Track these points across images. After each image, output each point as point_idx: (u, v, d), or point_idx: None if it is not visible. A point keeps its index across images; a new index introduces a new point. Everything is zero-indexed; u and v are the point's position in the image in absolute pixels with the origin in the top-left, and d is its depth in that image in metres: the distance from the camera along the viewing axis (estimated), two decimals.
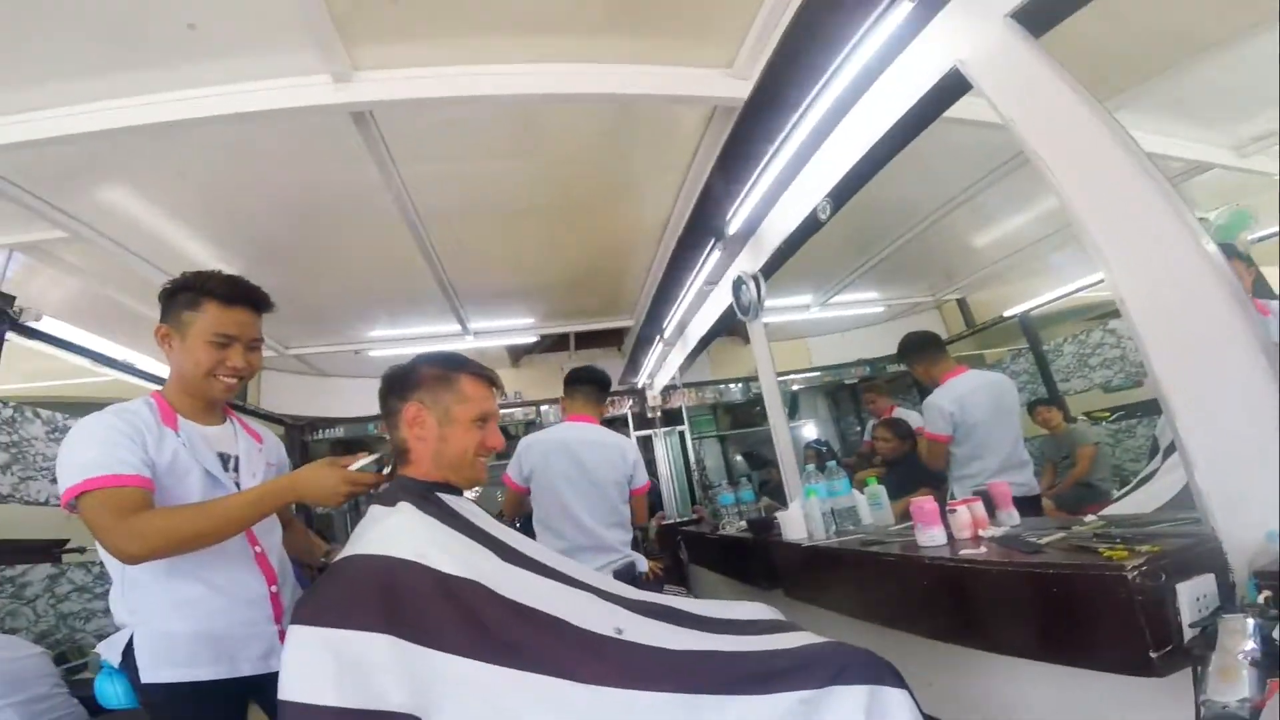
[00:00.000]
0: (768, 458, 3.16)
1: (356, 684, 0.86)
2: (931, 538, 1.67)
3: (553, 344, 5.92)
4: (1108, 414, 2.73)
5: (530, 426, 5.92)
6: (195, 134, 2.16)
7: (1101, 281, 1.37)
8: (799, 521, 2.26)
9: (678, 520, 5.12)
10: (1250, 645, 0.89)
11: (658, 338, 4.66)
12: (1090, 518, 1.53)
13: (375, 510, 1.15)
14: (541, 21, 2.06)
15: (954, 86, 1.61)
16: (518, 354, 6.05)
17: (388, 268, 3.68)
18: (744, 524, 2.99)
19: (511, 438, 6.13)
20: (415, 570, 0.99)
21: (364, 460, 1.27)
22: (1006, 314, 3.23)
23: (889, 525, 2.16)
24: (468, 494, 1.32)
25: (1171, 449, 1.52)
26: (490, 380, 1.29)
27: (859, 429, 4.89)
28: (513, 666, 0.95)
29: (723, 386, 5.88)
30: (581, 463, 2.31)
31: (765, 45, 2.02)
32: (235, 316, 1.31)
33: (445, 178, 2.80)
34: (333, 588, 0.98)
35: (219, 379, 1.31)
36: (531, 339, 5.40)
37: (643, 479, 2.43)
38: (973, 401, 2.43)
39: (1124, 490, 1.99)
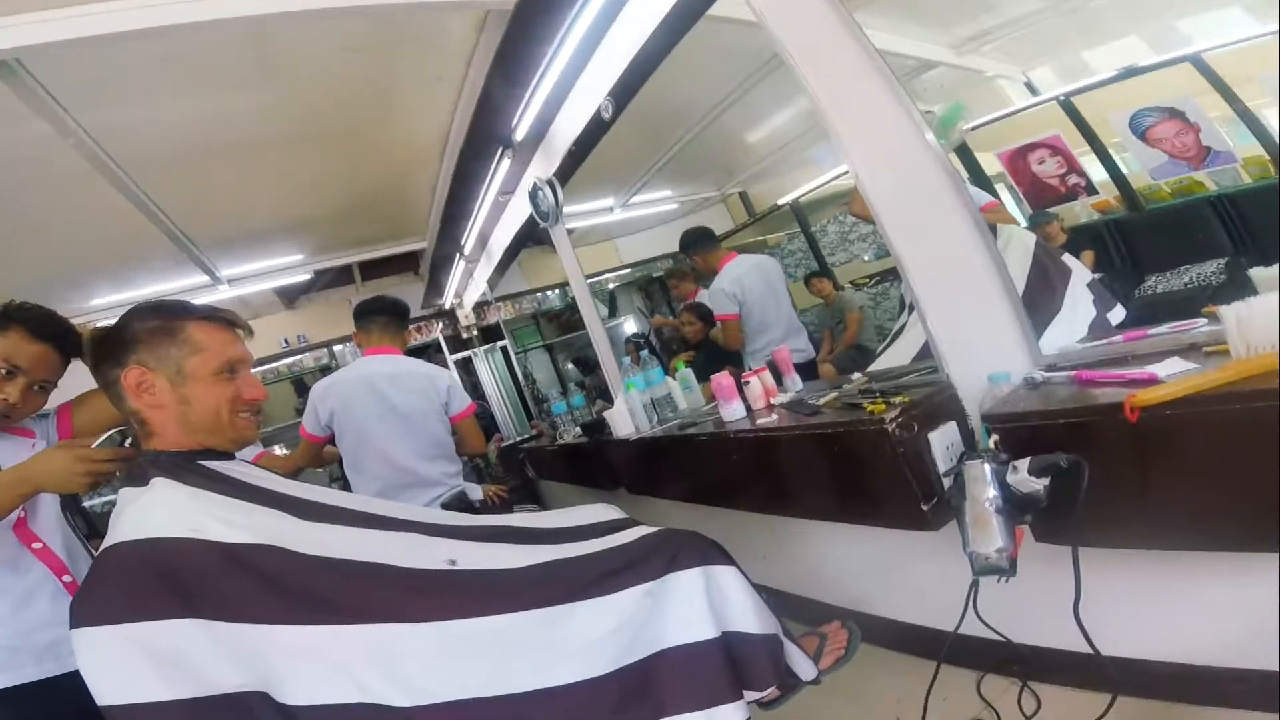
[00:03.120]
0: (597, 361, 3.25)
1: (184, 674, 0.79)
2: (733, 412, 1.82)
3: (335, 278, 5.37)
4: (868, 280, 3.19)
5: (326, 371, 5.39)
6: None
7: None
8: (625, 417, 2.37)
9: (517, 439, 5.14)
10: (992, 492, 0.95)
11: (457, 255, 4.44)
12: (857, 375, 1.78)
13: (125, 493, 0.98)
14: None
15: None
16: (292, 295, 5.38)
17: (92, 227, 3.08)
18: (579, 430, 3.06)
19: (308, 389, 5.57)
20: (193, 547, 0.88)
21: (103, 436, 1.11)
22: (780, 202, 3.56)
23: (701, 407, 2.34)
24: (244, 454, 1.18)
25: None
26: (228, 321, 1.10)
27: (673, 317, 5.19)
28: (339, 622, 0.90)
29: (540, 295, 5.78)
30: (386, 398, 2.13)
31: None
32: None
33: (146, 122, 2.39)
34: (101, 584, 0.85)
35: None
36: (305, 277, 4.84)
37: (462, 403, 2.27)
38: (748, 281, 2.71)
39: (883, 345, 2.33)
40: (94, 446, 1.09)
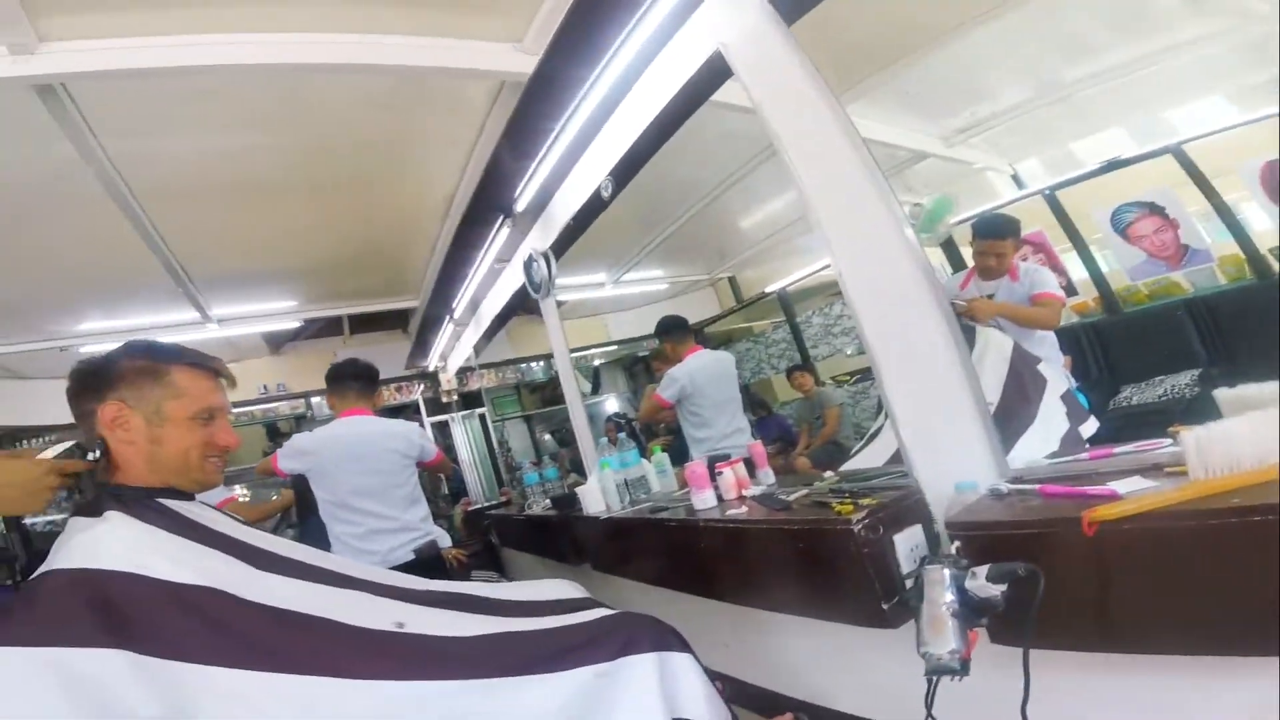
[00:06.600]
0: (574, 435, 3.22)
1: (94, 701, 0.76)
2: (704, 500, 1.80)
3: (324, 328, 5.38)
4: (849, 377, 3.22)
5: (301, 422, 5.34)
6: None
7: None
8: (597, 494, 2.34)
9: (485, 505, 5.00)
10: (950, 596, 0.96)
11: (447, 318, 4.47)
12: (829, 474, 1.76)
13: (76, 522, 0.95)
14: None
15: (718, 70, 1.69)
16: (279, 341, 5.36)
17: (96, 253, 3.17)
18: (549, 502, 3.02)
19: (281, 435, 5.48)
20: (136, 582, 0.86)
21: (59, 447, 1.06)
22: (768, 290, 3.65)
23: (674, 491, 2.31)
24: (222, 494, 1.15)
25: None
26: (214, 370, 1.13)
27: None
28: (274, 670, 0.87)
29: (524, 366, 5.80)
30: (362, 457, 2.29)
31: (555, 21, 2.01)
32: None
33: (170, 154, 2.50)
34: (29, 606, 0.82)
35: None
36: (295, 324, 4.85)
37: (432, 451, 2.48)
38: (699, 376, 2.75)
39: (859, 446, 2.32)
40: (48, 456, 1.03)
